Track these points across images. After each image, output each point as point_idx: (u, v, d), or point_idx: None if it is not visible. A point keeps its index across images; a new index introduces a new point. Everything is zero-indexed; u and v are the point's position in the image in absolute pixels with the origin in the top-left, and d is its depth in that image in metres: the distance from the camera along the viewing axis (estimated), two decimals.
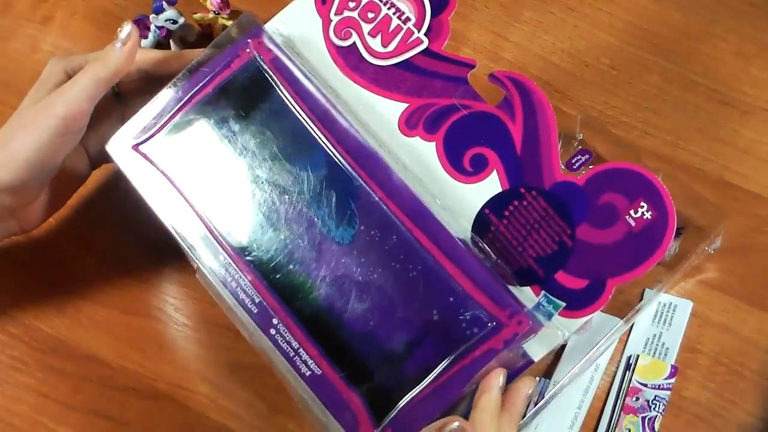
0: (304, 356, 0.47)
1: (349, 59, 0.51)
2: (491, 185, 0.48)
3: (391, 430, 0.45)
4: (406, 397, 0.45)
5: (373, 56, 0.51)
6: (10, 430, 0.54)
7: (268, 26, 0.53)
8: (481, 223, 0.47)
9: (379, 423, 0.45)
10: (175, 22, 0.62)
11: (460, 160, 0.48)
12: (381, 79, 0.51)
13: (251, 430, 0.53)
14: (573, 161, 0.55)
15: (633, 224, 0.45)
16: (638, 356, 0.52)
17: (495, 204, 0.47)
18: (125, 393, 0.55)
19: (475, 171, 0.48)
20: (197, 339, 0.56)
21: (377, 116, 0.50)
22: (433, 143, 0.49)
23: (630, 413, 0.51)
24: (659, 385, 0.51)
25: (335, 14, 0.52)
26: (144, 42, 0.64)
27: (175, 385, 0.55)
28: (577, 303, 0.45)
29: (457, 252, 0.46)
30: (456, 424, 0.43)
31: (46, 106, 0.50)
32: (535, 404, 0.48)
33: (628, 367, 0.52)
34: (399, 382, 0.46)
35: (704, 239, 0.52)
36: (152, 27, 0.63)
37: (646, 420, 0.50)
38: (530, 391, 0.46)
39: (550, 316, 0.45)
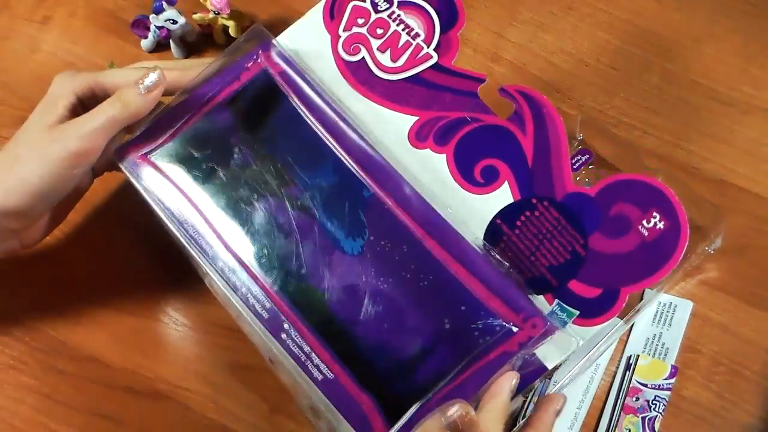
0: (316, 360, 0.46)
1: (359, 74, 0.52)
2: (503, 196, 0.48)
3: None
4: (421, 400, 0.45)
5: (382, 71, 0.51)
6: (11, 430, 0.54)
7: (277, 41, 0.53)
8: (492, 233, 0.47)
9: (392, 426, 0.45)
10: (175, 22, 0.62)
11: (471, 172, 0.49)
12: (391, 94, 0.51)
13: (251, 430, 0.53)
14: (573, 161, 0.55)
15: (646, 234, 0.45)
16: (638, 356, 0.52)
17: (507, 214, 0.47)
18: (125, 393, 0.55)
19: (486, 182, 0.48)
20: (197, 339, 0.56)
21: (387, 129, 0.50)
22: (444, 155, 0.49)
23: (630, 413, 0.51)
24: (659, 385, 0.51)
25: (344, 30, 0.52)
26: (144, 42, 0.64)
27: (175, 385, 0.55)
28: (590, 311, 0.45)
29: (470, 257, 0.46)
30: (456, 407, 0.41)
31: (60, 138, 0.49)
32: (536, 404, 0.48)
33: (628, 367, 0.52)
34: (413, 386, 0.45)
35: (704, 239, 0.52)
36: (152, 27, 0.63)
37: (646, 420, 0.50)
38: (559, 407, 0.46)
39: (564, 324, 0.46)
